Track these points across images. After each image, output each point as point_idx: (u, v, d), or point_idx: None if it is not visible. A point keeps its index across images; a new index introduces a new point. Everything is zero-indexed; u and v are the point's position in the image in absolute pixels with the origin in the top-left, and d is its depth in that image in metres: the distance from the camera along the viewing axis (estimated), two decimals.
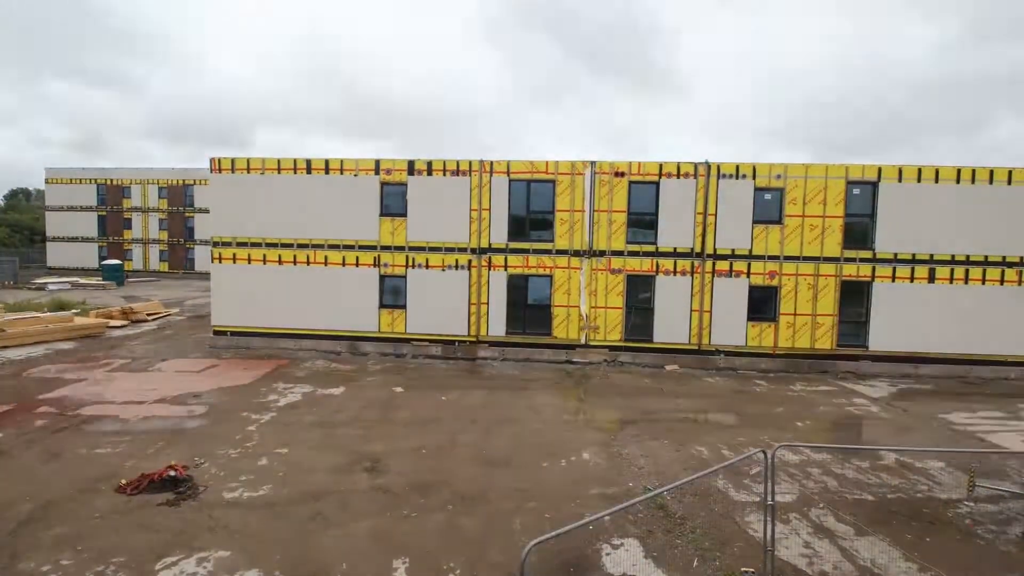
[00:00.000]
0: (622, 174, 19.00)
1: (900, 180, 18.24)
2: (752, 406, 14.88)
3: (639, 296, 19.32)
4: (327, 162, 19.92)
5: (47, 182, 51.51)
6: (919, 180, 18.18)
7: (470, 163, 19.44)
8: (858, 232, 18.64)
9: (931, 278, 18.37)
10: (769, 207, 18.78)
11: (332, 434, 12.05)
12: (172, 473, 9.37)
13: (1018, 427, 13.42)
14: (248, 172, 20.24)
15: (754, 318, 18.86)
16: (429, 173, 19.62)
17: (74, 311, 25.11)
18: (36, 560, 7.15)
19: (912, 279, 18.43)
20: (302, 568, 7.15)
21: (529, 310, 19.72)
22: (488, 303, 19.67)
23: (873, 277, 18.52)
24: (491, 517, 8.60)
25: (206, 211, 43.85)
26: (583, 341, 19.43)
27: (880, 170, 18.25)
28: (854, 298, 18.70)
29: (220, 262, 20.61)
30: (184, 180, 49.71)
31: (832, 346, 18.70)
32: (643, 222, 19.24)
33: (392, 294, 20.12)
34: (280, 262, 20.33)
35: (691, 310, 19.03)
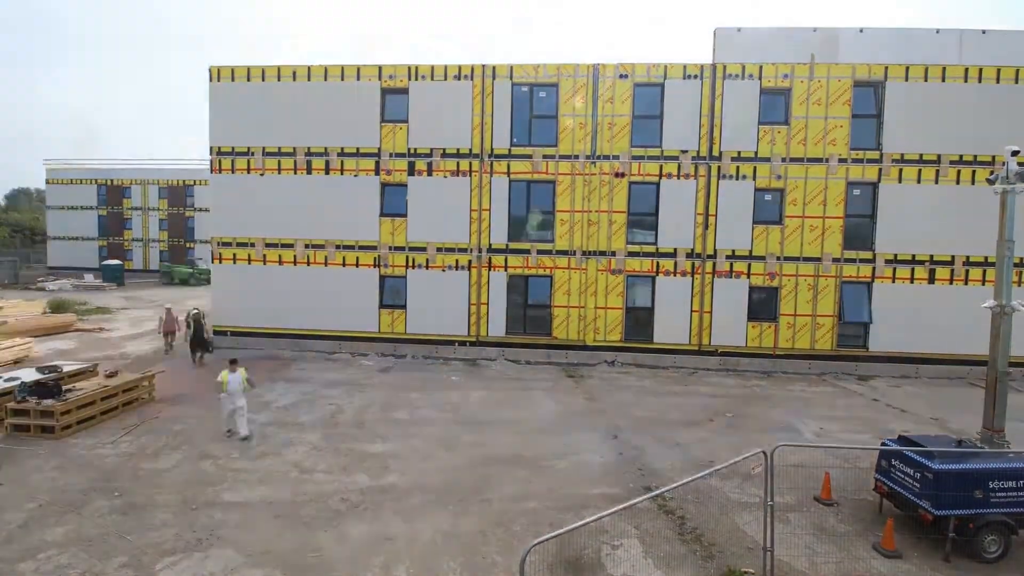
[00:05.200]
0: (622, 174, 19.01)
1: (900, 181, 18.27)
2: (752, 406, 14.88)
3: (639, 296, 19.33)
4: (327, 162, 19.90)
5: (47, 182, 51.46)
6: (919, 181, 18.20)
7: (470, 163, 19.44)
8: (858, 233, 18.65)
9: (931, 279, 18.37)
10: (769, 207, 18.79)
11: (332, 434, 12.05)
12: None
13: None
14: (248, 172, 20.24)
15: (754, 318, 18.86)
16: (429, 173, 19.63)
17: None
18: None
19: (912, 279, 18.44)
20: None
21: (529, 310, 19.72)
22: (488, 303, 19.67)
23: (873, 277, 18.52)
24: (492, 516, 8.60)
25: (206, 211, 43.84)
26: (583, 341, 19.42)
27: (880, 170, 18.27)
28: (854, 298, 18.69)
29: (220, 262, 20.61)
30: (184, 180, 49.67)
31: (832, 346, 18.70)
32: (643, 222, 19.25)
33: (392, 294, 20.12)
34: (280, 262, 20.33)
35: (691, 310, 19.02)
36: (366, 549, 7.65)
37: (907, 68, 18.03)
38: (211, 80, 20.21)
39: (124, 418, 12.63)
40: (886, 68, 18.05)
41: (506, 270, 19.59)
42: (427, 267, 19.83)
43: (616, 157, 18.98)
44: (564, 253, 19.37)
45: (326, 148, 19.90)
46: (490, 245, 19.58)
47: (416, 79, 19.48)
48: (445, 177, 19.58)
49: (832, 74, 18.19)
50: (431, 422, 13.00)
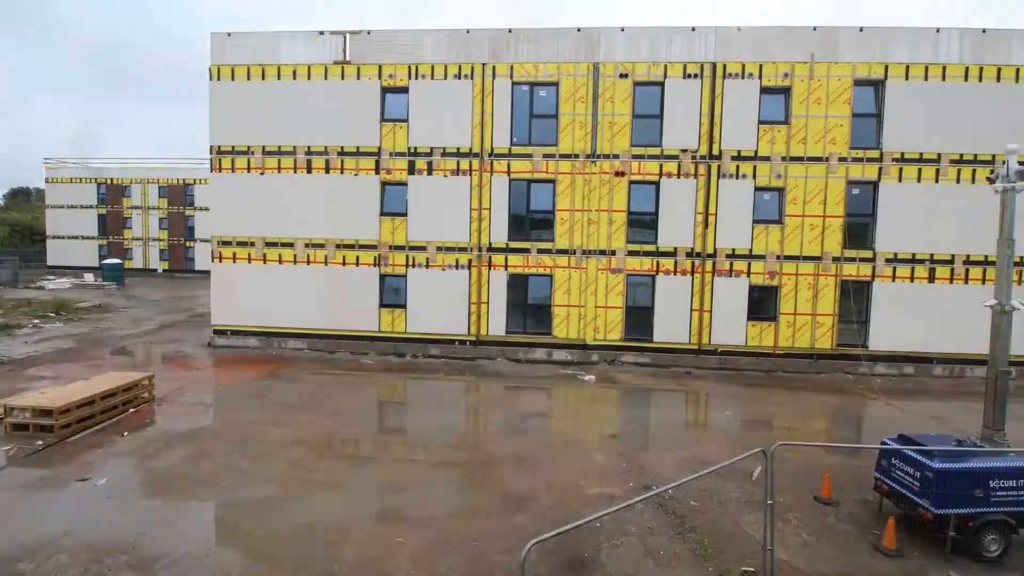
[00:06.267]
0: (622, 174, 19.00)
1: (900, 180, 18.26)
2: (752, 405, 14.89)
3: (639, 295, 19.33)
4: (327, 161, 19.89)
5: (47, 181, 51.45)
6: (919, 180, 18.19)
7: (470, 163, 19.44)
8: (858, 231, 18.65)
9: (931, 278, 18.37)
10: (769, 206, 18.79)
11: (332, 434, 12.05)
12: None
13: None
14: (248, 171, 20.23)
15: (754, 318, 18.86)
16: (430, 172, 19.63)
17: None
18: None
19: (912, 279, 18.44)
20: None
21: (529, 309, 19.72)
22: (488, 302, 19.67)
23: (873, 277, 18.52)
24: (491, 515, 8.61)
25: (206, 210, 43.88)
26: (583, 340, 19.42)
27: (880, 169, 18.27)
28: (854, 298, 18.71)
29: (220, 261, 20.61)
30: (184, 179, 49.70)
31: (832, 346, 18.70)
32: (643, 221, 19.24)
33: (392, 293, 20.12)
34: (280, 261, 20.33)
35: (691, 309, 19.02)
36: (366, 548, 7.65)
37: (907, 67, 18.02)
38: (211, 79, 20.19)
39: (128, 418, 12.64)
40: (886, 67, 18.04)
41: (506, 269, 19.59)
42: (427, 266, 19.83)
43: (616, 156, 18.98)
44: (564, 252, 19.37)
45: (326, 147, 19.89)
46: (490, 244, 19.57)
47: (416, 78, 19.46)
48: (445, 176, 19.57)
49: (832, 73, 18.18)
50: (430, 421, 13.01)
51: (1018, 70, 17.81)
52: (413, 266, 19.89)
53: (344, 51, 19.63)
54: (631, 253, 19.17)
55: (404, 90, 19.56)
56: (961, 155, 18.04)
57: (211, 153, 20.45)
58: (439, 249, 19.76)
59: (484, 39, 19.22)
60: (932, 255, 18.32)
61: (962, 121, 17.91)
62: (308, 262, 20.24)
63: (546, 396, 15.37)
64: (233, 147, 20.25)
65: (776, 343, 18.83)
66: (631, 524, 8.33)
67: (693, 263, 18.96)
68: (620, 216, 19.12)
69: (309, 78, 19.80)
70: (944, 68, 17.94)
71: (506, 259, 19.57)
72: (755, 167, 18.59)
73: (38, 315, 25.54)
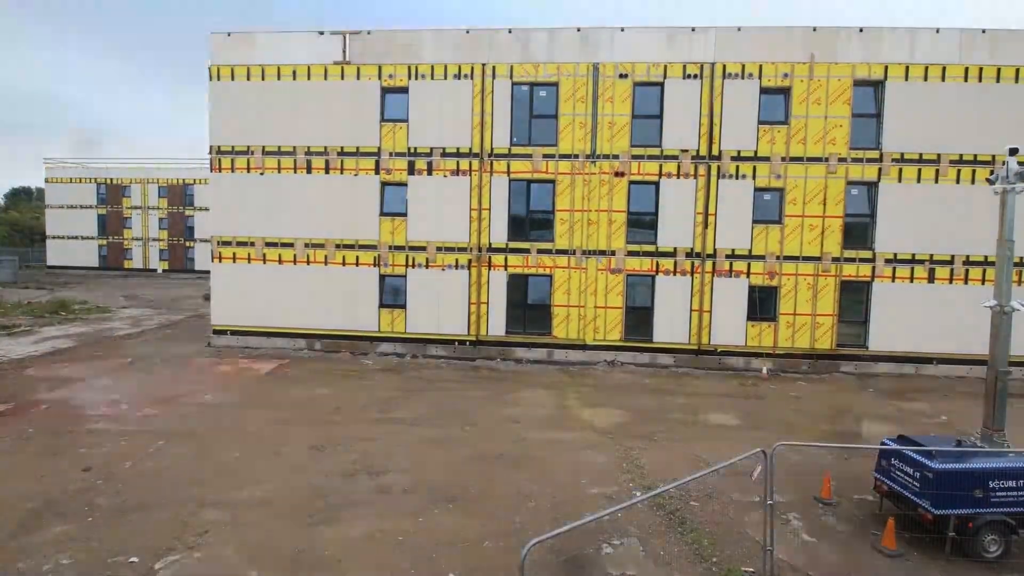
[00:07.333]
0: (622, 174, 18.99)
1: (900, 180, 18.26)
2: (752, 405, 14.88)
3: (639, 295, 19.33)
4: (327, 161, 19.89)
5: (47, 181, 51.47)
6: (918, 180, 18.20)
7: (470, 163, 19.43)
8: (858, 232, 18.65)
9: (931, 278, 18.37)
10: (769, 207, 18.79)
11: (331, 433, 12.04)
12: None
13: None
14: (248, 171, 20.23)
15: (754, 318, 18.86)
16: (429, 173, 19.62)
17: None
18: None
19: (912, 279, 18.44)
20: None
21: (529, 310, 19.72)
22: (488, 302, 19.66)
23: (873, 277, 18.52)
24: (491, 515, 8.60)
25: (206, 210, 43.89)
26: (583, 341, 19.42)
27: (879, 170, 18.27)
28: (854, 298, 18.71)
29: (220, 261, 20.60)
30: (184, 180, 49.73)
31: (832, 346, 18.70)
32: (643, 222, 19.24)
33: (392, 293, 20.12)
34: (280, 261, 20.32)
35: (691, 310, 19.02)
36: (365, 547, 7.65)
37: (907, 67, 18.02)
38: (211, 79, 20.18)
39: None
40: (886, 67, 18.04)
41: (506, 269, 19.59)
42: (427, 266, 19.82)
43: (616, 156, 18.98)
44: (564, 252, 19.36)
45: (326, 147, 19.88)
46: (490, 244, 19.57)
47: (416, 78, 19.45)
48: (445, 176, 19.56)
49: (832, 73, 18.17)
50: (430, 420, 13.00)
51: (1018, 70, 17.80)
52: (413, 266, 19.88)
53: (344, 51, 19.63)
54: (631, 253, 19.16)
55: (404, 90, 19.56)
56: (961, 155, 18.04)
57: (211, 153, 20.45)
58: (439, 249, 19.75)
59: (484, 39, 19.22)
60: (932, 255, 18.31)
61: (962, 121, 17.91)
62: (308, 262, 20.23)
63: (546, 396, 15.36)
64: (233, 147, 20.24)
65: (776, 343, 18.82)
66: (631, 524, 8.32)
67: (693, 263, 18.96)
68: (620, 216, 19.11)
69: (309, 78, 19.80)
70: (944, 68, 17.94)
71: (506, 259, 19.56)
72: (755, 167, 18.59)
73: (37, 315, 25.55)
